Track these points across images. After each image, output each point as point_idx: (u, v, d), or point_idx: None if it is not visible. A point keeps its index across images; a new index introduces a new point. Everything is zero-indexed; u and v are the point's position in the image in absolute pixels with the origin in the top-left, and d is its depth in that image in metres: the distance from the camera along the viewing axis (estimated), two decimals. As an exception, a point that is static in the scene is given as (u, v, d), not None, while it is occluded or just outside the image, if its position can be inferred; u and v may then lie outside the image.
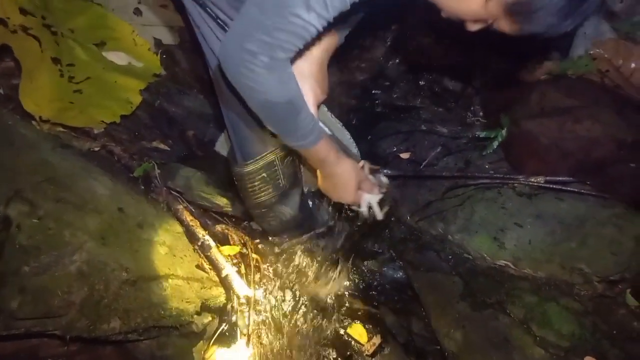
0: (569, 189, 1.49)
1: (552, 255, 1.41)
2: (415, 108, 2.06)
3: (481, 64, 2.16)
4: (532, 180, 1.52)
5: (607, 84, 1.74)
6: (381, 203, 1.33)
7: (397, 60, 2.33)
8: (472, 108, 1.96)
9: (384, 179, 1.37)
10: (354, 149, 1.63)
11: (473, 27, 0.98)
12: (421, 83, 2.16)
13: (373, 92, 2.16)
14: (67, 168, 1.39)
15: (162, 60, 1.98)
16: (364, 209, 1.32)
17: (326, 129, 1.38)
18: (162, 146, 1.76)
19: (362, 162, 1.33)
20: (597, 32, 2.02)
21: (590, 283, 1.34)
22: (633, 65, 1.71)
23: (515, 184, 1.54)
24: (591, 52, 1.82)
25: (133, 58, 1.88)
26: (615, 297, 1.34)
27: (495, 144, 1.68)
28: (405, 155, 1.87)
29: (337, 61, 2.27)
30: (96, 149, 1.60)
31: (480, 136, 1.73)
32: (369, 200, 1.31)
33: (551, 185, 1.50)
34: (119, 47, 1.88)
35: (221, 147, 1.87)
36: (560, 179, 1.51)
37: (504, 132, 1.68)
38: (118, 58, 1.85)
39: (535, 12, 0.87)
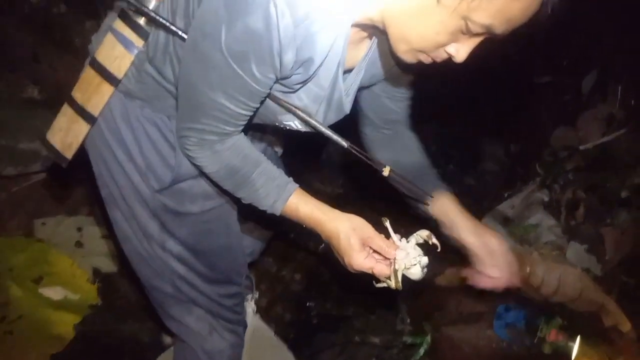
0: (495, 397, 1.56)
1: None
2: (348, 317, 2.17)
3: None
4: (461, 390, 1.59)
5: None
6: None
7: (329, 267, 2.51)
8: (399, 315, 2.09)
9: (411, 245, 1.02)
10: None
11: (438, 57, 0.88)
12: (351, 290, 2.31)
13: (307, 304, 2.26)
14: None
15: (100, 288, 2.03)
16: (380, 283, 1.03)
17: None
18: (92, 384, 1.70)
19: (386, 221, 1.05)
20: (495, 237, 2.32)
21: None
22: (528, 269, 1.96)
23: (446, 395, 1.60)
24: (492, 258, 2.08)
25: (70, 291, 1.93)
26: None
27: (422, 351, 1.78)
28: (342, 370, 1.90)
29: (272, 276, 2.43)
30: (20, 396, 1.53)
31: (407, 342, 1.83)
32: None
33: (479, 395, 1.57)
34: (57, 281, 1.94)
35: None
36: (486, 386, 1.59)
37: (428, 338, 1.79)
38: (54, 293, 1.90)
39: None
